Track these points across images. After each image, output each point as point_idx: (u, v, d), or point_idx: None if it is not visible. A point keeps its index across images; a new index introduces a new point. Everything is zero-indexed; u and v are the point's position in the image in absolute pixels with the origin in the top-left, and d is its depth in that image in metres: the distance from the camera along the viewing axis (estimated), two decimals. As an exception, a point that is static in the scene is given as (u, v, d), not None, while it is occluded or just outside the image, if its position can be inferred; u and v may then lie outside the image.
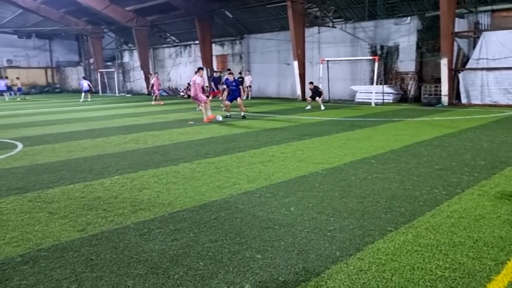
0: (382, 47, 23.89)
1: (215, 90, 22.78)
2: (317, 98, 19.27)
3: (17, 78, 35.84)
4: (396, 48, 23.34)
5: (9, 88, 34.52)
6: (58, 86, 47.46)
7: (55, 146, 10.16)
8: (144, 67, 36.43)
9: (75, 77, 44.32)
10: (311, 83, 20.16)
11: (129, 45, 41.74)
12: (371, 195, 5.55)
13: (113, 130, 12.87)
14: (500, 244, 3.90)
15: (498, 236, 4.10)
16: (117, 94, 38.02)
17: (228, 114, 15.96)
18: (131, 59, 41.93)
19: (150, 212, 5.01)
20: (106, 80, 40.33)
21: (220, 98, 22.48)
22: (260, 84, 30.54)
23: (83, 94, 29.53)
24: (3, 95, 33.58)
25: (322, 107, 18.97)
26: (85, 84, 29.63)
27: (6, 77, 36.75)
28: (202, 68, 15.16)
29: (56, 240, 4.21)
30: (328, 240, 4.08)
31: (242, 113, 15.83)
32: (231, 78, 15.85)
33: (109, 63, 43.31)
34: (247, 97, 29.08)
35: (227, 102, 16.12)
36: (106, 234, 4.35)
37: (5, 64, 43.04)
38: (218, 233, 4.33)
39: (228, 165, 7.55)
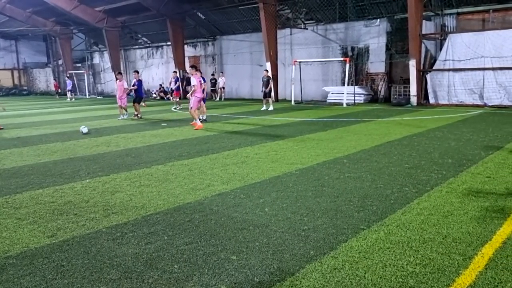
0: (353, 49, 24.32)
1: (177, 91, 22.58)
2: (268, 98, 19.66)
3: None
4: (367, 50, 23.82)
5: None
6: (25, 88, 46.08)
7: (23, 150, 9.85)
8: (116, 68, 35.81)
9: (44, 79, 43.15)
10: (266, 70, 20.40)
11: (100, 46, 40.95)
12: (344, 194, 5.64)
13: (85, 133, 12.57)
14: (468, 240, 4.04)
15: (466, 231, 4.24)
16: (87, 96, 37.21)
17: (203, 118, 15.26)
18: (102, 60, 41.14)
19: (123, 216, 4.93)
20: (76, 82, 39.40)
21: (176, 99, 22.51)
22: (233, 85, 30.54)
23: (68, 93, 32.35)
24: None
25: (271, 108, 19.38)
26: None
27: None
28: (194, 67, 13.71)
29: (25, 246, 4.08)
30: (302, 240, 4.12)
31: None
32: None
33: (79, 65, 42.38)
34: (220, 98, 29.03)
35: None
36: (77, 239, 4.25)
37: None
38: (193, 235, 4.30)
39: (202, 167, 7.51)
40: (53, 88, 40.37)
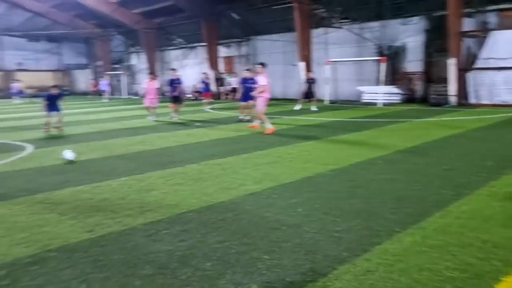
0: (389, 48, 23.78)
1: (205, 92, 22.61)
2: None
3: (18, 80, 36.36)
4: (403, 48, 23.24)
5: (19, 91, 35.08)
6: (66, 88, 47.88)
7: (64, 148, 10.23)
8: (151, 69, 36.60)
9: (84, 80, 44.66)
10: (310, 71, 20.09)
11: (137, 47, 41.97)
12: (378, 196, 5.53)
13: (120, 132, 12.94)
14: (509, 245, 3.87)
15: (507, 236, 4.07)
16: (125, 96, 38.25)
17: (240, 118, 15.12)
18: (139, 61, 42.14)
19: (157, 213, 5.04)
20: (113, 83, 40.59)
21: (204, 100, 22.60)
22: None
23: (104, 93, 33.49)
24: (10, 97, 34.12)
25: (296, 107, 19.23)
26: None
27: (18, 80, 37.21)
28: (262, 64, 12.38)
29: (65, 241, 4.24)
30: (335, 241, 4.07)
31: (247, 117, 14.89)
32: (247, 76, 14.34)
33: (117, 66, 43.59)
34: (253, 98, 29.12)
35: (245, 103, 14.64)
36: (114, 235, 4.38)
37: (15, 67, 43.51)
38: (225, 234, 4.34)
39: (235, 167, 7.56)
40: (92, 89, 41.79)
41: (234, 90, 31.14)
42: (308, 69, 24.60)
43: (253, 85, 13.80)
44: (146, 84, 16.77)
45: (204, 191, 5.96)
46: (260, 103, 12.08)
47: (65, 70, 48.21)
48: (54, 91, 13.62)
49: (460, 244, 3.91)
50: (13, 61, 43.46)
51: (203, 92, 22.64)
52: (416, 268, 3.47)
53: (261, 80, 11.89)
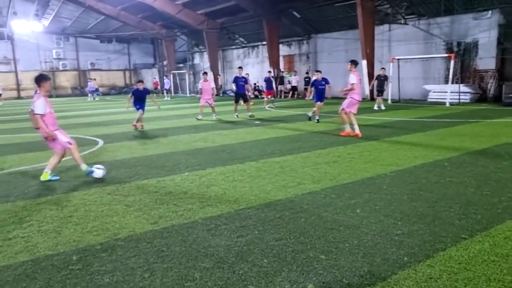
0: (459, 44, 22.50)
1: (267, 91, 22.59)
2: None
3: (94, 79, 38.89)
4: (475, 45, 21.87)
5: (96, 90, 37.66)
6: (135, 87, 50.45)
7: (132, 143, 10.81)
8: (214, 68, 37.51)
9: (150, 79, 46.74)
10: (383, 68, 19.16)
11: (200, 47, 43.20)
12: (443, 200, 5.28)
13: (183, 129, 13.42)
14: None
15: None
16: (188, 95, 39.51)
17: (317, 118, 14.88)
18: (201, 60, 43.35)
19: (217, 208, 5.18)
20: (178, 81, 42.12)
21: (266, 98, 22.52)
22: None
23: (165, 92, 35.66)
24: (87, 95, 36.74)
25: (383, 107, 18.47)
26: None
27: (94, 79, 39.92)
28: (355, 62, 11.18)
29: (131, 231, 4.49)
30: (395, 245, 3.95)
31: (315, 116, 14.95)
32: (319, 77, 14.24)
33: (181, 65, 45.16)
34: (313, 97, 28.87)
35: (320, 104, 14.59)
36: (176, 227, 4.57)
37: (89, 67, 46.59)
38: (282, 231, 4.36)
39: (293, 165, 7.56)
40: (158, 87, 43.68)
41: (294, 88, 31.10)
42: (370, 66, 23.95)
43: (325, 86, 14.16)
44: (201, 84, 16.82)
45: (263, 189, 6.03)
46: (348, 104, 10.85)
47: (133, 70, 50.78)
48: (141, 87, 13.51)
49: (534, 255, 3.64)
50: (87, 61, 46.56)
51: (265, 90, 22.78)
52: (484, 278, 3.28)
53: (351, 78, 10.64)
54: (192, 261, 3.72)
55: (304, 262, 3.64)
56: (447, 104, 19.61)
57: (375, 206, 5.10)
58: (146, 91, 13.99)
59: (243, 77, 17.07)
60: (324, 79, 14.31)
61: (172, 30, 41.83)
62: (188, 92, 40.12)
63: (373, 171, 6.93)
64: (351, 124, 10.93)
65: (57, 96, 43.37)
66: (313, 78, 14.72)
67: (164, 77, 39.24)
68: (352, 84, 10.64)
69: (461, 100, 20.22)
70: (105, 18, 41.47)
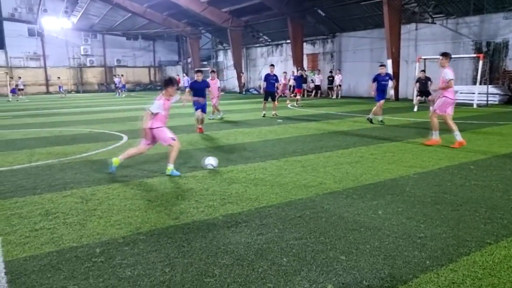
0: (488, 44, 21.91)
1: (298, 89, 22.54)
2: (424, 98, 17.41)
3: (122, 75, 39.55)
4: (505, 45, 21.26)
5: (123, 86, 38.35)
6: (159, 84, 51.02)
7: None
8: (237, 66, 37.64)
9: (175, 76, 47.35)
10: (423, 71, 17.78)
11: (224, 45, 43.41)
12: (468, 203, 5.16)
13: (206, 126, 13.50)
14: None
15: None
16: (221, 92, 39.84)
17: (380, 119, 13.77)
18: (225, 58, 43.58)
19: (237, 206, 5.20)
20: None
21: (297, 97, 22.35)
22: (351, 83, 29.85)
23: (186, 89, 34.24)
24: (113, 91, 37.54)
25: (415, 109, 17.96)
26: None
27: (122, 75, 40.59)
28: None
29: (153, 225, 4.56)
30: (417, 248, 3.89)
31: (378, 117, 13.68)
32: (383, 72, 13.19)
33: (205, 62, 45.49)
34: (337, 96, 28.64)
35: (382, 102, 13.49)
36: (197, 223, 4.61)
37: (115, 64, 47.46)
38: (303, 231, 4.35)
39: (315, 164, 7.52)
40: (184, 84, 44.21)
41: (317, 87, 30.92)
42: (396, 66, 23.55)
43: (387, 82, 13.30)
44: (210, 82, 15.33)
45: (284, 187, 6.02)
46: (441, 105, 9.33)
47: (158, 67, 51.44)
48: (199, 78, 11.52)
49: None
50: (114, 58, 47.44)
51: (294, 88, 22.75)
52: (509, 285, 3.19)
53: (447, 73, 9.04)
54: (212, 257, 3.76)
55: (323, 262, 3.62)
56: (475, 106, 19.12)
57: (397, 208, 5.03)
58: (205, 84, 12.49)
59: (274, 75, 16.59)
60: (387, 74, 13.38)
61: (196, 28, 42.20)
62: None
63: (396, 172, 6.83)
64: (452, 131, 9.28)
65: (83, 92, 44.42)
66: (377, 72, 13.54)
67: (184, 75, 39.56)
68: (450, 80, 8.99)
69: (489, 102, 19.68)
70: (132, 16, 42.15)
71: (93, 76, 46.89)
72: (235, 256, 3.77)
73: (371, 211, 4.93)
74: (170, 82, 6.93)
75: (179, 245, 4.03)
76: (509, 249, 3.81)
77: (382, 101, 13.45)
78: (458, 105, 20.04)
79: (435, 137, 9.51)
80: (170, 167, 6.95)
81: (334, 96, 28.76)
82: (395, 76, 23.57)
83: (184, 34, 44.07)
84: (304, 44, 32.43)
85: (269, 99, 16.48)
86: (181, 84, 43.45)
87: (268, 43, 38.58)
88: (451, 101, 9.27)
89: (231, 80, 41.55)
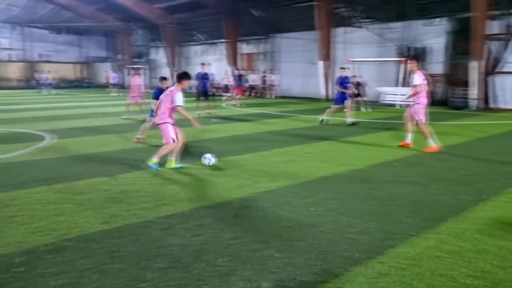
0: (409, 49, 23.43)
1: (237, 88, 22.49)
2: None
3: (49, 71, 36.98)
4: (424, 50, 22.88)
5: (49, 83, 35.69)
6: (86, 81, 48.57)
7: (82, 139, 10.40)
8: (171, 64, 36.90)
9: (104, 73, 45.30)
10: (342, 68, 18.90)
11: (157, 42, 42.34)
12: (394, 199, 5.47)
13: (138, 126, 13.07)
14: (527, 254, 3.78)
15: (525, 245, 3.98)
16: (143, 90, 38.67)
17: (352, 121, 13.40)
18: (159, 56, 42.52)
19: (172, 207, 5.08)
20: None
21: (237, 96, 22.37)
22: (285, 83, 30.48)
23: (111, 86, 34.05)
24: (35, 88, 35.00)
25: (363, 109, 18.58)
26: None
27: (49, 71, 37.68)
28: None
29: (81, 231, 4.31)
30: (348, 242, 4.04)
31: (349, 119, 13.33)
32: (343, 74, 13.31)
33: (137, 60, 44.05)
34: (271, 96, 29.11)
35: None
36: (128, 227, 4.43)
37: (37, 59, 44.34)
38: (238, 230, 4.35)
39: (251, 164, 7.57)
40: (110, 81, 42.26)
41: (252, 87, 31.18)
42: (327, 68, 24.40)
43: (348, 85, 13.40)
44: (130, 80, 15.07)
45: (220, 187, 5.98)
46: (416, 110, 8.90)
47: (86, 63, 48.93)
48: (165, 85, 9.58)
49: (476, 250, 3.84)
50: (36, 53, 44.32)
51: (235, 88, 22.47)
52: (430, 273, 3.42)
53: (414, 79, 8.74)
54: (145, 262, 3.62)
55: (259, 261, 3.64)
56: (398, 106, 20.36)
57: (330, 205, 5.20)
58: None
59: (205, 74, 16.33)
60: (347, 78, 13.52)
61: (128, 24, 40.72)
62: (144, 87, 39.23)
63: (329, 170, 7.07)
64: (425, 138, 8.88)
65: (1, 88, 41.02)
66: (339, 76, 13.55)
67: (111, 71, 37.96)
68: (416, 85, 8.59)
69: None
70: (57, 8, 39.67)
71: (12, 71, 43.42)
72: (170, 259, 3.67)
73: (305, 209, 5.05)
74: (186, 75, 7.26)
75: (109, 251, 3.84)
76: (429, 240, 4.09)
77: (338, 106, 13.44)
78: (385, 106, 21.28)
79: (433, 143, 8.77)
80: (155, 160, 7.01)
81: (269, 96, 29.20)
82: (327, 78, 24.51)
83: (114, 29, 42.35)
84: (240, 43, 32.57)
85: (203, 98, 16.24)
86: (110, 81, 41.63)
87: (203, 41, 38.24)
88: (423, 106, 8.83)
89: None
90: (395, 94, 21.62)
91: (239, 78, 22.53)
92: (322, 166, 7.40)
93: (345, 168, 7.22)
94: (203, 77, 16.17)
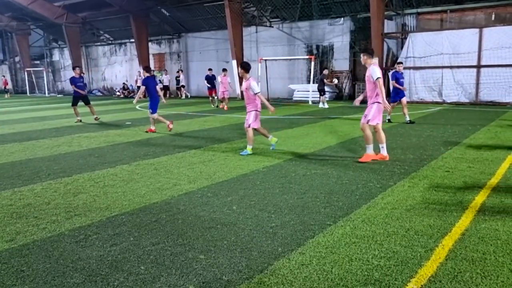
0: (317, 47, 24.64)
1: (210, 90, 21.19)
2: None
3: None
4: (331, 48, 24.20)
5: None
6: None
7: (-22, 151, 9.38)
8: (76, 66, 34.71)
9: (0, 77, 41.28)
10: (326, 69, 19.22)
11: (59, 42, 39.58)
12: (310, 191, 5.71)
13: (43, 133, 12.14)
14: (429, 232, 4.18)
15: (427, 224, 4.39)
16: (47, 95, 35.92)
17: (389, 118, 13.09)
18: (62, 57, 39.81)
19: (86, 218, 4.79)
20: (34, 80, 37.96)
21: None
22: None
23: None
24: None
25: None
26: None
27: None
28: None
29: (-19, 252, 3.89)
30: (270, 237, 4.14)
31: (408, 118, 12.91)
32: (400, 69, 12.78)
33: (38, 62, 40.80)
34: (185, 96, 28.74)
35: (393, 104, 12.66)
36: (38, 243, 4.10)
37: None
38: (160, 235, 4.24)
39: (168, 166, 7.41)
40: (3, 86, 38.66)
41: (166, 88, 30.50)
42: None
43: (402, 80, 12.96)
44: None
45: (137, 193, 5.77)
46: (373, 113, 7.60)
47: (-23, 66, 44.24)
48: (76, 73, 14.06)
49: (385, 234, 4.16)
50: None
51: (208, 89, 20.94)
52: (347, 258, 3.63)
53: (374, 71, 7.35)
54: (59, 278, 3.38)
55: (183, 264, 3.58)
56: (310, 103, 21.30)
57: (250, 202, 5.27)
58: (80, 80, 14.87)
59: (81, 77, 15.38)
60: (402, 72, 12.95)
61: (24, 23, 37.48)
62: (47, 91, 36.46)
63: (247, 167, 7.17)
64: (380, 143, 7.64)
65: None
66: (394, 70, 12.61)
67: (2, 77, 34.91)
68: (377, 79, 7.27)
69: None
70: None
71: None
72: (87, 272, 3.46)
73: (226, 207, 5.07)
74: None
75: (17, 270, 3.52)
76: (345, 228, 4.34)
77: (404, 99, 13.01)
78: (297, 102, 22.13)
79: (370, 151, 7.60)
80: (249, 147, 8.39)
81: (183, 96, 28.80)
82: (240, 76, 24.73)
83: (9, 29, 38.75)
84: (150, 43, 31.68)
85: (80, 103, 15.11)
86: (8, 86, 38.15)
87: (110, 41, 36.52)
88: (382, 106, 7.48)
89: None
90: (306, 91, 22.59)
91: (211, 78, 21.43)
92: (241, 164, 7.49)
93: (263, 164, 7.38)
94: (79, 81, 15.12)
